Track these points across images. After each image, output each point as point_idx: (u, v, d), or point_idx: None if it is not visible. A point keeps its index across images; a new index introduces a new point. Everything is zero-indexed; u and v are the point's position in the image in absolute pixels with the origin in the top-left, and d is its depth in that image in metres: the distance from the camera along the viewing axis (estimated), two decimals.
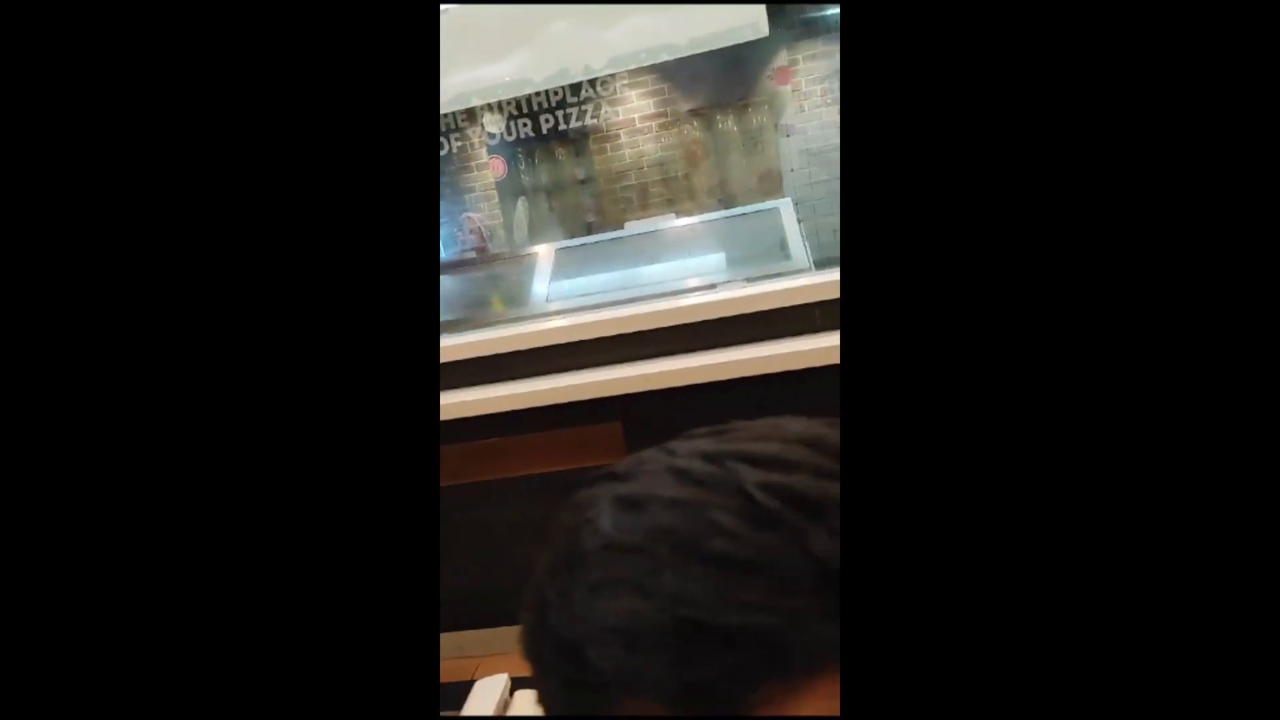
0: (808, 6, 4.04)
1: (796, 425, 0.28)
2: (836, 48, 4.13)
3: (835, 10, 4.03)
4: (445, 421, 1.63)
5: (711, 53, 3.12)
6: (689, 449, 0.28)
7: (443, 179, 4.43)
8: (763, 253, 2.37)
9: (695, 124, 4.31)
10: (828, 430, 0.28)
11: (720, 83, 4.20)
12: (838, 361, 1.25)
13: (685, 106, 4.29)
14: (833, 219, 4.02)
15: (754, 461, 0.26)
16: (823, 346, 1.55)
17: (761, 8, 2.73)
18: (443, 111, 2.98)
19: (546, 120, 4.40)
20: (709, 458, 0.27)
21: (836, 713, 0.22)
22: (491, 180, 4.50)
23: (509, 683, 0.80)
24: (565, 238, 3.97)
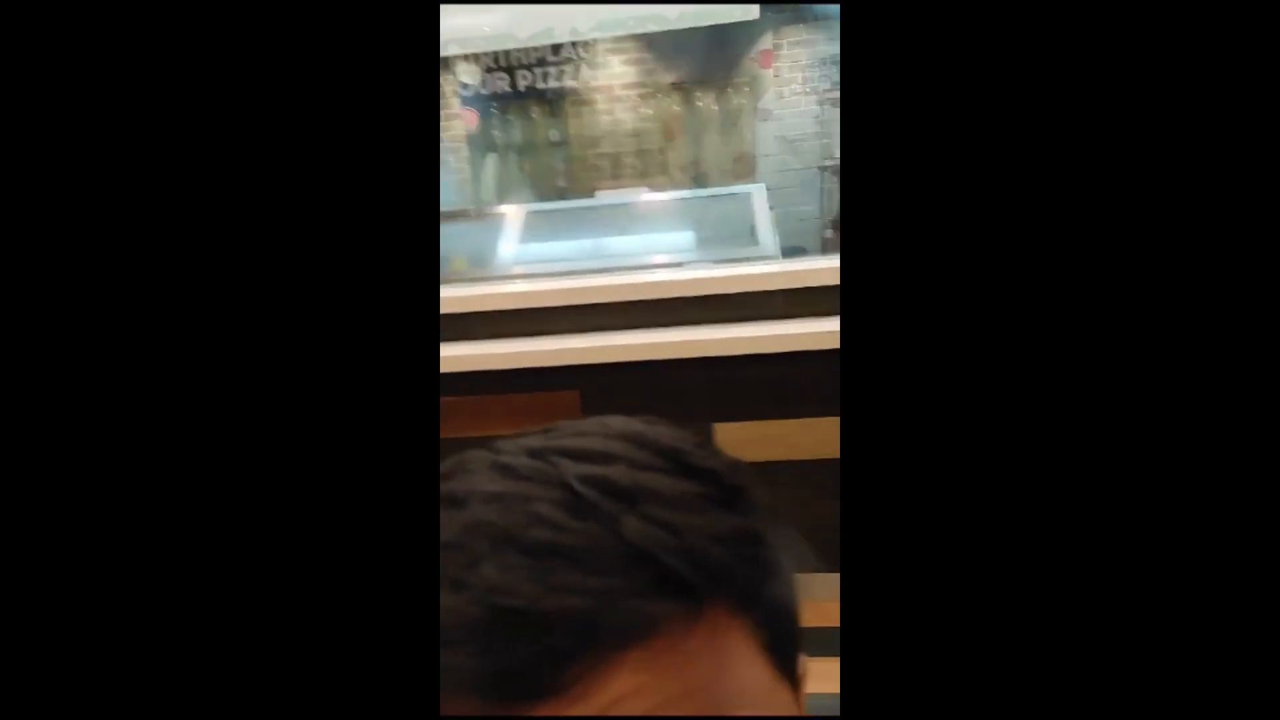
0: None
1: (617, 423, 0.30)
2: (821, 36, 4.13)
3: None
4: None
5: (697, 28, 3.09)
6: (514, 446, 0.29)
7: None
8: (731, 235, 2.39)
9: (675, 98, 4.27)
10: (646, 427, 0.30)
11: (703, 59, 4.16)
12: (798, 349, 1.27)
13: (666, 79, 4.25)
14: (802, 208, 4.06)
15: (576, 456, 0.28)
16: (784, 333, 1.58)
17: None
18: None
19: (524, 77, 4.29)
20: (533, 453, 0.28)
21: (647, 685, 0.24)
22: (462, 132, 4.39)
23: None
24: (535, 200, 3.91)
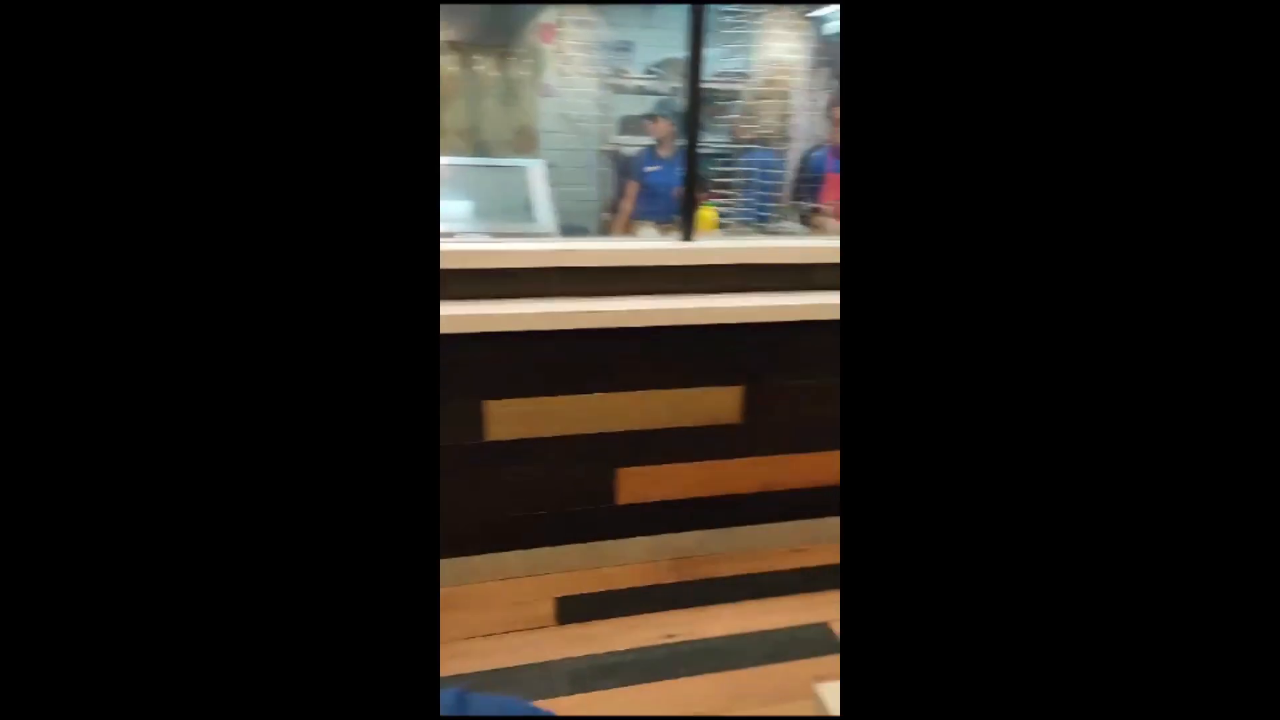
0: None
1: None
2: (602, 20, 4.19)
3: None
4: None
5: None
6: None
7: None
8: (509, 209, 2.34)
9: (452, 57, 4.04)
10: None
11: (483, 21, 3.99)
12: (570, 327, 1.29)
13: (443, 35, 4.00)
14: (580, 188, 4.11)
15: None
16: (556, 311, 1.59)
17: None
18: None
19: None
20: None
21: None
22: None
23: None
24: None
